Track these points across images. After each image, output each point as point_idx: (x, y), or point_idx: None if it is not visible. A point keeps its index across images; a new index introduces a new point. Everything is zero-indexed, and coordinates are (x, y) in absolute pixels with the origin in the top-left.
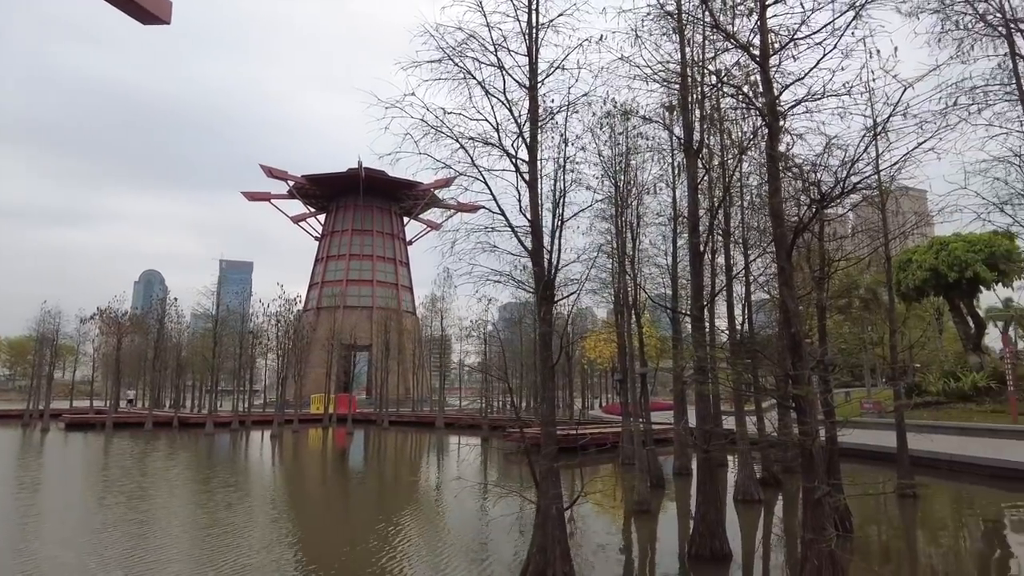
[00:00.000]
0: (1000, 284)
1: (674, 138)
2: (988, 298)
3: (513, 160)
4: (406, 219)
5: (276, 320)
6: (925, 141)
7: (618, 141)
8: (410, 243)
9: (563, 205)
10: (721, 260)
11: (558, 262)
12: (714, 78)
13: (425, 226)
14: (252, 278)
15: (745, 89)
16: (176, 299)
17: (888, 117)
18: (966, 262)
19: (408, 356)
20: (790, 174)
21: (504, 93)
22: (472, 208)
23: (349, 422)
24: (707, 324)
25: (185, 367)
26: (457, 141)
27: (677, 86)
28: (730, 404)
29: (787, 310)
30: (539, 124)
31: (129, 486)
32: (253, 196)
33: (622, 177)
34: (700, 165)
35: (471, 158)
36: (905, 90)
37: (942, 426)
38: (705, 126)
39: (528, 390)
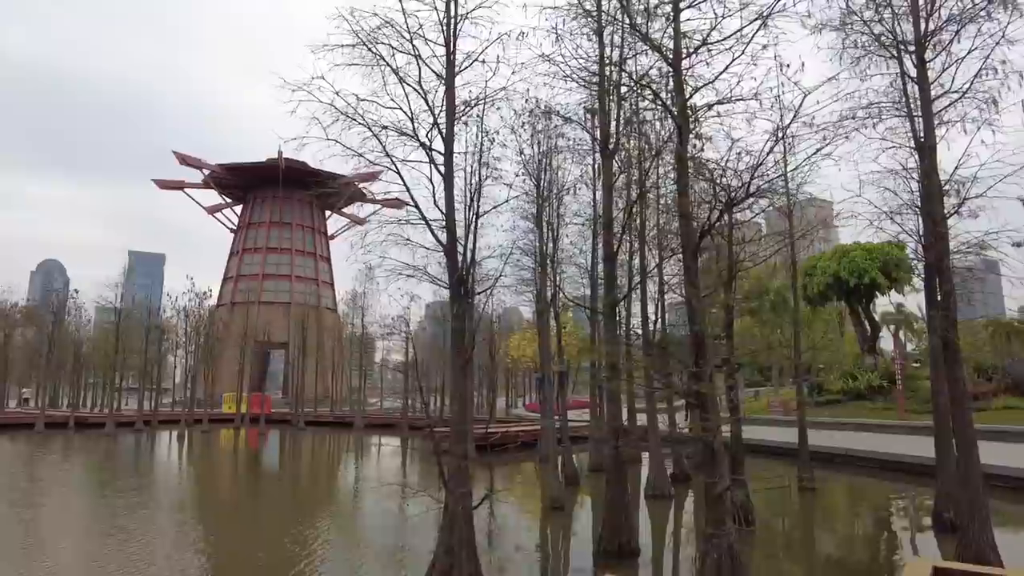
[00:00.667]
0: (893, 290)
1: (593, 139)
2: (883, 303)
3: (428, 151)
4: (328, 213)
5: (185, 315)
6: (823, 147)
7: (539, 140)
8: (332, 237)
9: (479, 199)
10: (637, 261)
11: (473, 257)
12: (631, 79)
13: (348, 220)
14: (164, 271)
15: (661, 93)
16: (77, 291)
17: (790, 122)
18: (864, 269)
19: (327, 354)
20: (701, 177)
21: (420, 83)
22: (398, 204)
23: (262, 422)
24: (620, 322)
25: (86, 364)
26: (369, 129)
27: (596, 87)
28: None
29: (692, 308)
30: (456, 116)
31: (13, 493)
32: (165, 184)
33: (543, 176)
34: (616, 166)
35: (383, 147)
36: (805, 97)
37: (841, 423)
38: (622, 128)
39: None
